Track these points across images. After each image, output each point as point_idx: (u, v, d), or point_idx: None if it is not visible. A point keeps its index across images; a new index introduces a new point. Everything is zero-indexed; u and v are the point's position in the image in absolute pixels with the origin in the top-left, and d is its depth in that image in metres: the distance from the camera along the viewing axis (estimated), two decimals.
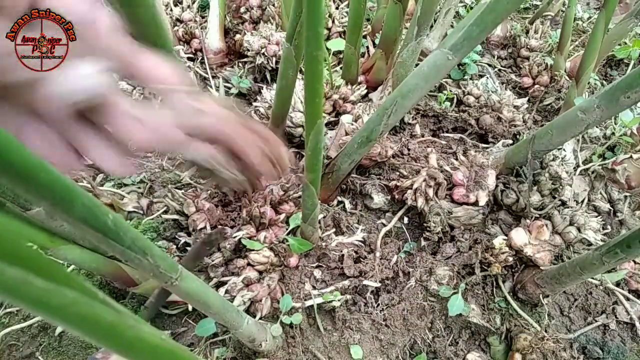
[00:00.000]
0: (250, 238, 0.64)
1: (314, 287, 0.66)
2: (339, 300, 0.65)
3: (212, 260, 0.65)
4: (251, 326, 0.51)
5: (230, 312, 0.46)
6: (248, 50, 0.95)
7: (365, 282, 0.67)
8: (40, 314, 0.17)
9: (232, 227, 0.67)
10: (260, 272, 0.63)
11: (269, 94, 0.83)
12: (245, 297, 0.60)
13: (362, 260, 0.71)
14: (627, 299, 0.76)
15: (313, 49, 0.32)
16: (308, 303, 0.65)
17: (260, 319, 0.62)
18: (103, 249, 0.55)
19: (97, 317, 0.18)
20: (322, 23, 0.30)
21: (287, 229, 0.66)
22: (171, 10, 1.06)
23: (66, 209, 0.21)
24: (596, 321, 0.73)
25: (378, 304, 0.68)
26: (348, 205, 0.77)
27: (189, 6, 1.09)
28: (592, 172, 0.86)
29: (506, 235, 0.72)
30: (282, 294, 0.64)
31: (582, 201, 0.83)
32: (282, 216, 0.67)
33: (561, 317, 0.74)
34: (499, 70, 1.09)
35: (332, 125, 0.84)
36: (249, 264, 0.63)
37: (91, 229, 0.24)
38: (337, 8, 1.04)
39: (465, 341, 0.70)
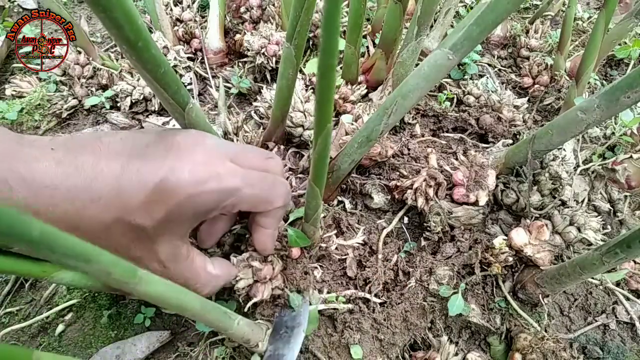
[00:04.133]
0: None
1: (314, 287, 0.66)
2: (340, 303, 0.65)
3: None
4: (243, 327, 0.51)
5: (212, 314, 0.44)
6: (248, 50, 0.95)
7: (368, 296, 0.67)
8: None
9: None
10: (263, 261, 0.62)
11: (269, 93, 0.83)
12: (249, 279, 0.58)
13: (363, 263, 0.71)
14: (627, 299, 0.76)
15: (329, 58, 0.32)
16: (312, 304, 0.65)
17: (259, 309, 0.61)
18: None
19: None
20: (338, 33, 0.30)
21: (286, 229, 0.66)
22: (171, 10, 1.06)
23: None
24: (596, 321, 0.74)
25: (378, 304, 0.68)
26: (348, 205, 0.77)
27: (189, 6, 1.09)
28: (592, 172, 0.86)
29: (506, 235, 0.72)
30: (284, 283, 0.63)
31: (582, 201, 0.83)
32: None
33: (561, 317, 0.74)
34: (499, 70, 1.09)
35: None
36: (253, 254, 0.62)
37: (16, 241, 0.22)
38: None
39: (465, 341, 0.70)
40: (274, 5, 1.02)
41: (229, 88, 0.98)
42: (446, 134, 0.88)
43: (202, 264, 0.52)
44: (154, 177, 0.42)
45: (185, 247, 0.49)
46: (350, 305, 0.65)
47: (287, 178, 0.69)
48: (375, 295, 0.68)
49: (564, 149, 0.80)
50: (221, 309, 0.47)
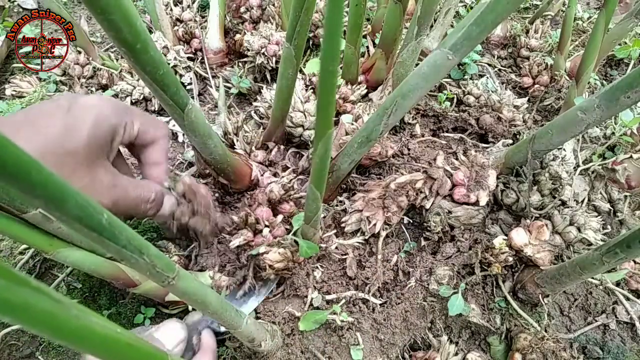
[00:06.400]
0: (247, 243, 0.63)
1: (315, 287, 0.66)
2: (340, 307, 0.65)
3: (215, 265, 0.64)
4: (250, 326, 0.51)
5: (228, 312, 0.46)
6: (248, 50, 0.95)
7: (367, 296, 0.67)
8: None
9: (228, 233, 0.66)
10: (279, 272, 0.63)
11: (269, 93, 0.83)
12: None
13: (363, 263, 0.71)
14: (627, 299, 0.76)
15: (329, 64, 0.32)
16: (312, 303, 0.65)
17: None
18: (101, 251, 0.55)
19: (28, 305, 0.18)
20: (339, 39, 0.31)
21: (285, 230, 0.66)
22: (171, 10, 1.06)
23: (59, 207, 0.21)
24: (596, 321, 0.74)
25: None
26: (348, 205, 0.77)
27: (189, 6, 1.09)
28: (592, 172, 0.86)
29: (506, 235, 0.72)
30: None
31: (582, 201, 0.83)
32: (280, 218, 0.66)
33: (561, 317, 0.74)
34: (499, 70, 1.09)
35: None
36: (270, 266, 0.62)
37: (86, 228, 0.24)
38: None
39: (465, 341, 0.70)
40: (274, 5, 1.02)
41: (229, 88, 0.98)
42: (446, 134, 0.88)
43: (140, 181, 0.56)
44: (65, 104, 0.47)
45: (120, 167, 0.55)
46: (350, 319, 0.65)
47: (290, 181, 0.69)
48: (375, 295, 0.68)
49: (564, 149, 0.80)
50: (234, 308, 0.48)
